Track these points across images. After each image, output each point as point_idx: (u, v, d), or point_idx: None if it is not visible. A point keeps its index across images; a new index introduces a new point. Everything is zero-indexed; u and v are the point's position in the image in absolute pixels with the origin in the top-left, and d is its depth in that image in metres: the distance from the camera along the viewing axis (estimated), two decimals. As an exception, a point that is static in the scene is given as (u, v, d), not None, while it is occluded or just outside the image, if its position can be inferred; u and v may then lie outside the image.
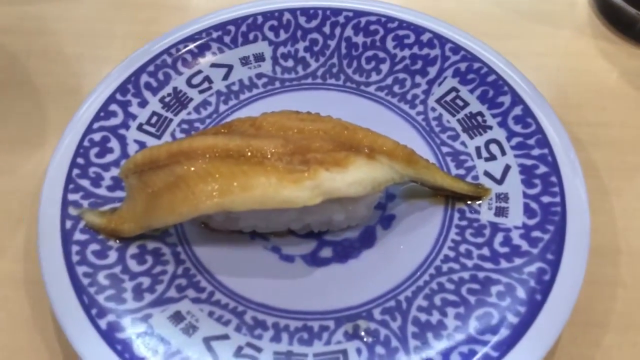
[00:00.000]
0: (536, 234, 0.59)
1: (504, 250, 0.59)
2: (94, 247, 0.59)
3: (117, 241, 0.60)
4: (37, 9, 0.86)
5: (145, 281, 0.58)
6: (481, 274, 0.58)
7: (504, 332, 0.53)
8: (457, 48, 0.72)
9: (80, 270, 0.57)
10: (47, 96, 0.76)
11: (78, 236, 0.59)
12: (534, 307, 0.54)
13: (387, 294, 0.58)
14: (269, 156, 0.55)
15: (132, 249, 0.60)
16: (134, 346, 0.53)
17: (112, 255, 0.59)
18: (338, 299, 0.58)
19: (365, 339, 0.55)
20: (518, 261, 0.58)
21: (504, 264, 0.58)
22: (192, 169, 0.55)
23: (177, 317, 0.56)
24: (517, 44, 0.81)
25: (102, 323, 0.54)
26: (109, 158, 0.65)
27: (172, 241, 0.61)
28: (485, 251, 0.59)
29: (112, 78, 0.69)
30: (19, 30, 0.84)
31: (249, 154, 0.55)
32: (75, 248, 0.58)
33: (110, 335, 0.53)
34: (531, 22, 0.85)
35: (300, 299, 0.58)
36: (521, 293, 0.55)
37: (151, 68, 0.71)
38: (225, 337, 0.55)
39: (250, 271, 0.60)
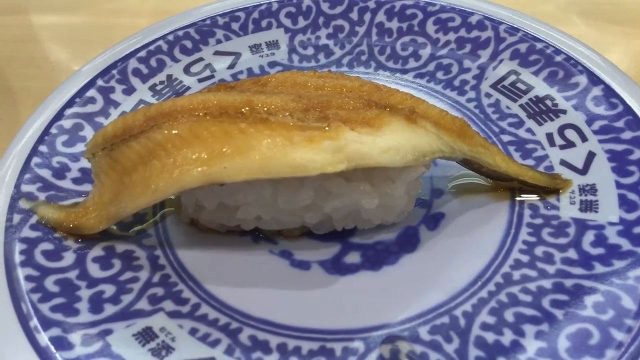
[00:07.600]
0: (640, 229, 0.43)
1: (598, 251, 0.44)
2: (46, 246, 0.45)
3: (79, 241, 0.46)
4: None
5: (109, 289, 0.43)
6: (569, 282, 0.42)
7: (610, 354, 0.37)
8: (513, 29, 0.59)
9: (23, 272, 0.43)
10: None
11: (27, 233, 0.46)
12: (651, 321, 0.38)
13: (437, 308, 0.42)
14: (275, 112, 0.41)
15: (96, 251, 0.46)
16: (81, 370, 0.38)
17: (69, 257, 0.45)
18: (369, 314, 0.42)
19: (408, 366, 0.39)
20: (619, 264, 0.43)
21: (599, 269, 0.43)
22: (175, 131, 0.41)
23: (146, 335, 0.41)
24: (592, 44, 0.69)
25: (42, 338, 0.40)
26: (80, 147, 0.52)
27: (149, 243, 0.47)
28: (572, 253, 0.44)
29: (94, 63, 0.58)
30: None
31: (249, 110, 0.41)
32: (20, 246, 0.44)
33: (49, 354, 0.39)
34: (604, 23, 0.73)
35: (317, 315, 0.43)
36: (629, 303, 0.40)
37: (142, 54, 0.59)
38: (211, 361, 0.39)
39: (250, 280, 0.45)
